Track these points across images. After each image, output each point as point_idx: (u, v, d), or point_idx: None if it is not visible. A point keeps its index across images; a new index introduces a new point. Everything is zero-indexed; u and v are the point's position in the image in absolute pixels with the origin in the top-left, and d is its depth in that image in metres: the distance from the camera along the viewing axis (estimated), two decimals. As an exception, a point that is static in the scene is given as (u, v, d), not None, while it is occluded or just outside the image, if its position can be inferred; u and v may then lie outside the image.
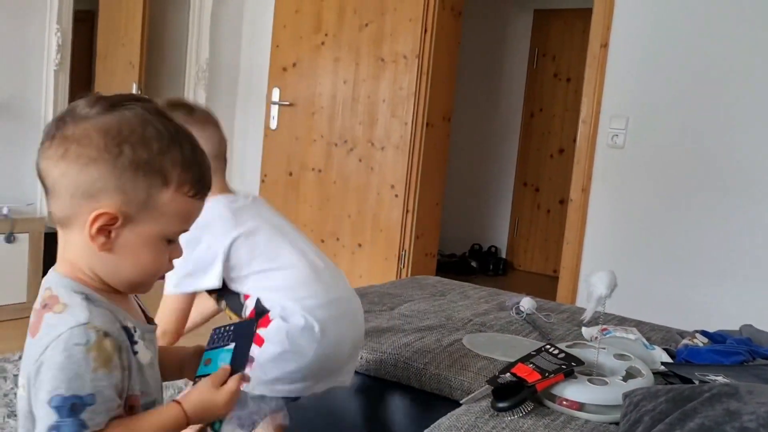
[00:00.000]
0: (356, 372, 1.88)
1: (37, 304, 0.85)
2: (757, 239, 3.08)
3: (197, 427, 0.95)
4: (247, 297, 1.57)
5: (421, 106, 3.90)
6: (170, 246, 0.88)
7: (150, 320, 0.97)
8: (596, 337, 1.89)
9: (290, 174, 4.18)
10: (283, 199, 4.19)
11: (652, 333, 2.13)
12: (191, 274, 1.53)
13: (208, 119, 1.65)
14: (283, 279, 1.57)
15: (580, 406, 1.43)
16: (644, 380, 1.44)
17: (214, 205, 1.53)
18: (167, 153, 0.83)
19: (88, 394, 0.77)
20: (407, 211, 3.96)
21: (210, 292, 1.61)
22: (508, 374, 1.49)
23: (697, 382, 1.51)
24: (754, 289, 3.07)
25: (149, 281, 0.89)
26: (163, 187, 0.84)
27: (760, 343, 1.91)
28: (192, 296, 1.57)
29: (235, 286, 1.57)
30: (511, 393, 1.43)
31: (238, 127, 4.77)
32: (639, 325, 2.21)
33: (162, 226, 0.85)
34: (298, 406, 1.88)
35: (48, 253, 3.28)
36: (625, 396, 1.34)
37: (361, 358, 1.85)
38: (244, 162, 4.70)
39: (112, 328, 0.81)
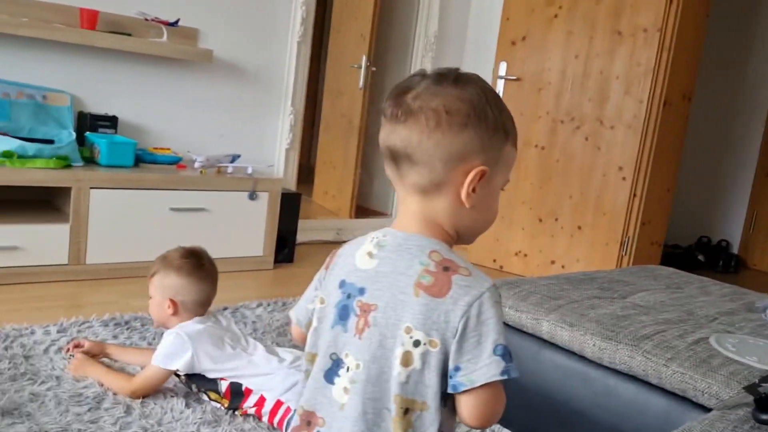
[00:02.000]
0: (584, 358, 1.80)
1: (425, 263, 0.89)
2: None
3: None
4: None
5: (659, 83, 3.62)
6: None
7: None
8: None
9: (511, 150, 4.10)
10: (501, 175, 4.14)
11: None
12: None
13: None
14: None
15: None
16: None
17: None
18: (503, 111, 0.95)
19: (507, 343, 0.87)
20: (634, 195, 3.73)
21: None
22: (772, 384, 1.32)
23: None
24: None
25: (488, 229, 0.98)
26: (506, 142, 0.94)
27: None
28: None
29: None
30: (777, 405, 1.27)
31: (460, 101, 4.77)
32: None
33: (503, 176, 0.96)
34: (518, 390, 1.84)
35: (283, 212, 3.53)
36: None
37: (593, 344, 1.77)
38: (464, 136, 4.70)
39: None
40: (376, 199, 5.02)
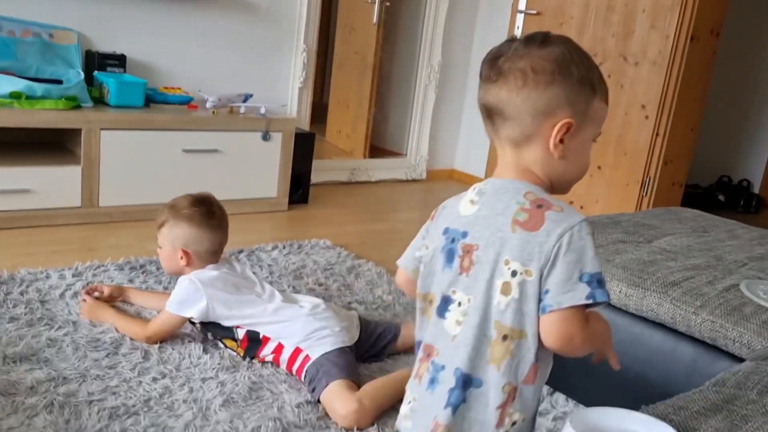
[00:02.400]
0: (610, 305, 1.76)
1: (521, 203, 0.98)
2: None
3: None
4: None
5: (686, 17, 3.46)
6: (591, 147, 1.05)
7: None
8: None
9: (530, 88, 3.98)
10: (520, 114, 4.02)
11: None
12: None
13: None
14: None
15: None
16: None
17: None
18: (591, 69, 1.01)
19: (600, 270, 0.95)
20: (657, 134, 3.62)
21: None
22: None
23: None
24: None
25: (580, 178, 1.06)
26: (593, 97, 1.01)
27: None
28: None
29: None
30: (815, 357, 1.23)
31: (477, 37, 4.63)
32: None
33: (593, 130, 1.03)
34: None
35: (297, 152, 3.46)
36: None
37: (619, 291, 1.72)
38: (481, 73, 4.56)
39: None
40: (390, 138, 4.93)
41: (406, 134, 4.71)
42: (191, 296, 1.88)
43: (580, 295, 0.93)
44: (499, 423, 0.98)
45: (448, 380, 1.00)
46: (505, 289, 0.96)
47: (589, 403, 1.86)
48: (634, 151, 3.67)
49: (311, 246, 2.90)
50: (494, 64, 1.01)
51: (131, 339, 1.91)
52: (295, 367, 1.82)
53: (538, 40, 1.00)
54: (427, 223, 1.11)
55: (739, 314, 1.55)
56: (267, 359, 1.88)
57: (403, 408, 1.08)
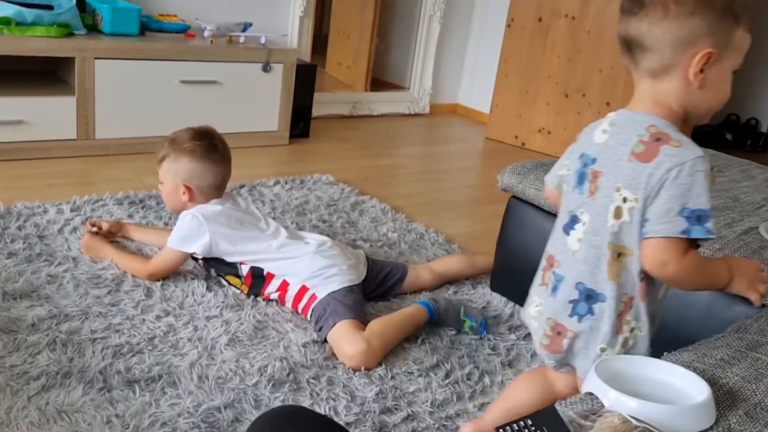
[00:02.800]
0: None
1: (641, 135, 1.04)
2: None
3: None
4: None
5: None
6: (732, 77, 1.07)
7: None
8: None
9: (540, 20, 3.84)
10: (528, 47, 3.90)
11: None
12: None
13: None
14: None
15: None
16: None
17: None
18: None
19: (706, 208, 1.00)
20: (669, 70, 3.51)
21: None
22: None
23: None
24: None
25: (719, 108, 1.09)
26: (736, 27, 1.02)
27: None
28: None
29: None
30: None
31: (484, -35, 4.45)
32: None
33: (734, 60, 1.05)
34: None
35: (298, 85, 3.36)
36: None
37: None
38: (488, 3, 4.41)
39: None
40: (393, 71, 4.80)
41: (409, 67, 4.58)
42: (194, 231, 1.83)
43: (676, 228, 1.00)
44: (619, 329, 1.09)
45: (569, 291, 1.13)
46: (617, 213, 1.06)
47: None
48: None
49: (314, 181, 2.84)
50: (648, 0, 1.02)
51: (133, 276, 1.87)
52: (301, 306, 1.79)
53: None
54: (571, 145, 1.20)
55: (759, 257, 1.51)
56: (272, 297, 1.85)
57: (531, 309, 1.21)
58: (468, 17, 4.53)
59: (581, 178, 1.13)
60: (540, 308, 1.19)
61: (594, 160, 1.11)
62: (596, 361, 1.00)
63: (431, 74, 4.48)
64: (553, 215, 1.88)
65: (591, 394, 0.93)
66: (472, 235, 2.57)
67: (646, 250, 1.04)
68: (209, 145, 1.89)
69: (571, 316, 1.12)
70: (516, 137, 4.02)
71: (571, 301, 1.12)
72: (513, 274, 2.02)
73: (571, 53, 3.77)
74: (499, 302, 2.03)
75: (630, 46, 1.06)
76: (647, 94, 1.07)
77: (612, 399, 0.90)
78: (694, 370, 1.05)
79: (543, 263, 1.21)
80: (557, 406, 0.91)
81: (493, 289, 2.09)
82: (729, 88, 1.07)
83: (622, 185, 1.05)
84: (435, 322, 1.81)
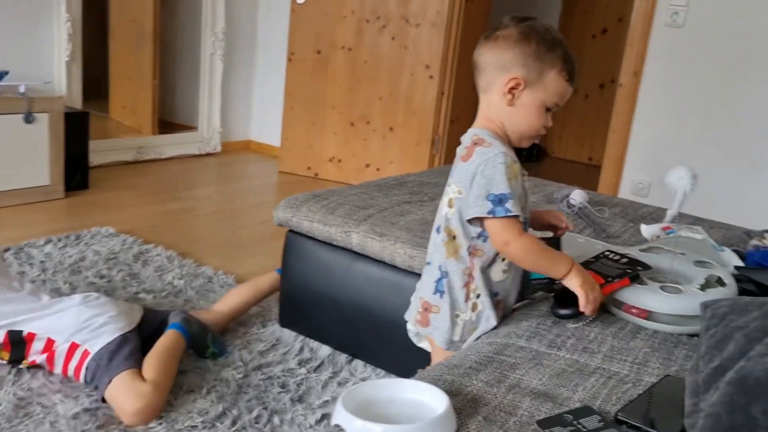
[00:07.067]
0: (395, 267, 1.78)
1: (466, 143, 1.30)
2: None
3: None
4: None
5: (459, -23, 3.59)
6: (547, 114, 1.30)
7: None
8: (658, 236, 1.75)
9: (318, 52, 3.93)
10: (310, 79, 3.97)
11: (711, 231, 1.98)
12: None
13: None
14: None
15: (649, 315, 1.31)
16: (727, 290, 1.30)
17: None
18: (554, 48, 1.27)
19: (507, 192, 1.22)
20: (442, 93, 3.74)
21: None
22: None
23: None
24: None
25: (532, 136, 1.32)
26: (549, 69, 1.27)
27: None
28: None
29: None
30: (573, 299, 1.31)
31: (262, 1, 4.48)
32: (696, 222, 2.06)
33: (545, 96, 1.28)
34: (333, 305, 1.79)
35: (69, 133, 3.14)
36: (705, 306, 1.20)
37: (404, 253, 1.74)
38: (270, 39, 4.44)
39: (515, 159, 1.26)
40: (181, 112, 4.66)
41: (196, 107, 4.48)
42: None
43: (484, 209, 1.23)
44: (467, 297, 1.32)
45: (434, 273, 1.35)
46: (450, 203, 1.32)
47: (387, 367, 1.89)
48: (423, 111, 3.77)
49: (91, 235, 2.66)
50: (489, 34, 1.31)
51: None
52: (72, 366, 1.64)
53: (518, 19, 1.30)
54: None
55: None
56: (38, 362, 1.68)
57: (412, 296, 1.42)
58: (251, 52, 4.53)
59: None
60: (416, 292, 1.41)
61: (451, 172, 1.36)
62: (343, 393, 1.00)
63: (219, 112, 4.40)
64: (329, 245, 1.92)
65: (338, 426, 0.93)
66: (264, 272, 2.53)
67: (490, 231, 1.26)
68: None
69: (434, 293, 1.34)
70: (309, 168, 4.06)
71: (435, 281, 1.34)
72: (299, 306, 2.02)
73: (352, 83, 3.89)
74: (288, 337, 2.01)
75: (475, 68, 1.32)
76: (481, 111, 1.33)
77: (358, 428, 0.91)
78: (443, 382, 1.09)
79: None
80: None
81: (283, 324, 2.07)
82: (540, 120, 1.30)
83: (452, 181, 1.32)
84: (190, 343, 1.81)
